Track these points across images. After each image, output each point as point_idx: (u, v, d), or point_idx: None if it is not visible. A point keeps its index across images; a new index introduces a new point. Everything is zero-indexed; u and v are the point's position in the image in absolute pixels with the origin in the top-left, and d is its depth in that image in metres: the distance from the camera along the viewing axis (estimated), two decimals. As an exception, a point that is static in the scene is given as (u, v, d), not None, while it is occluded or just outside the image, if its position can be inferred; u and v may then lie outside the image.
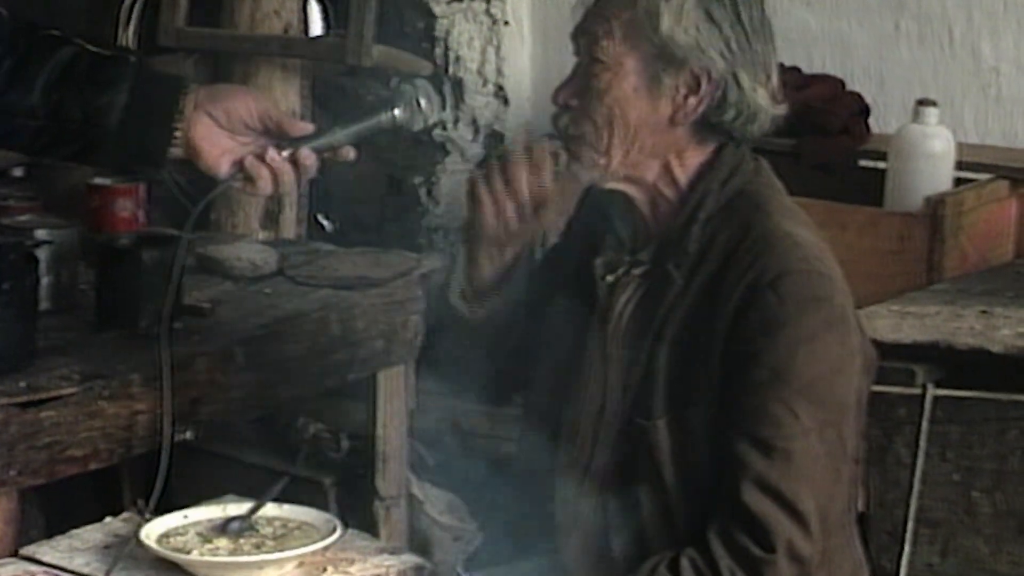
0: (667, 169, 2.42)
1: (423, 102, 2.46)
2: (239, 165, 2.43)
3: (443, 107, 2.49)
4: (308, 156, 2.43)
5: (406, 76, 2.48)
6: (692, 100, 2.38)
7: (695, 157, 2.42)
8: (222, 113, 2.43)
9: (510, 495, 2.60)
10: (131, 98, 2.44)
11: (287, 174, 2.42)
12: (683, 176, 2.42)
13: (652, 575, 2.30)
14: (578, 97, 2.40)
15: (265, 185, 2.42)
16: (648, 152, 2.40)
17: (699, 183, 2.41)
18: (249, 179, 2.42)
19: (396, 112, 2.46)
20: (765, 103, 2.40)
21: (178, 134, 2.44)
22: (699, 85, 2.37)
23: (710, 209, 2.39)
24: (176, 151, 2.45)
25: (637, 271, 2.43)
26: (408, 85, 2.46)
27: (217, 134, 2.44)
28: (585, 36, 2.40)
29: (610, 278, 2.45)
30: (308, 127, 2.46)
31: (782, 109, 2.43)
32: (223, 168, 2.44)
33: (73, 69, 2.46)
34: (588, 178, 2.42)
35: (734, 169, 2.41)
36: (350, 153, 2.47)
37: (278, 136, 2.44)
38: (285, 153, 2.42)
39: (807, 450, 2.30)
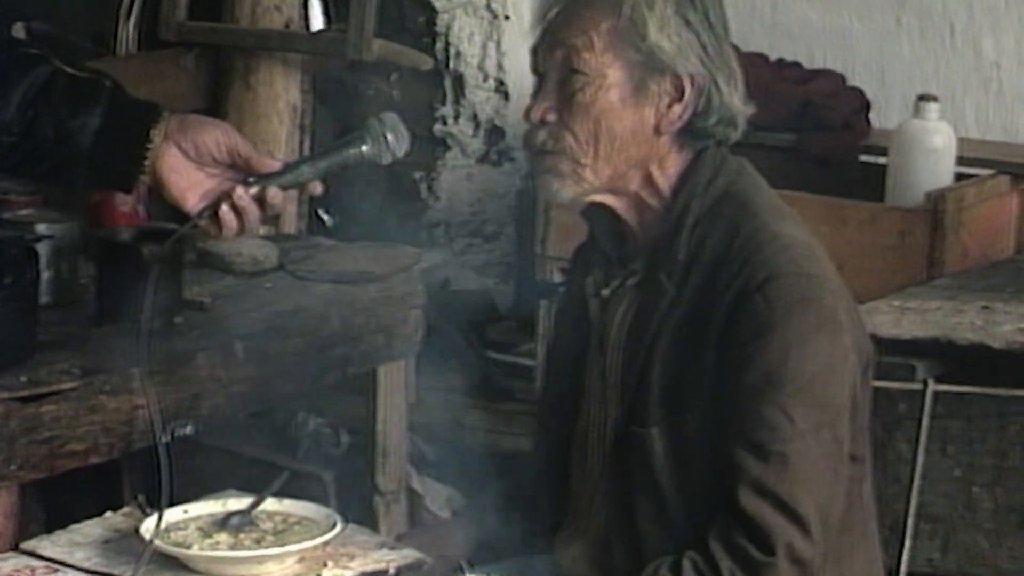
0: (648, 178, 2.41)
1: (390, 137, 2.45)
2: (208, 205, 2.43)
3: (411, 142, 2.49)
4: (275, 194, 2.43)
5: (374, 113, 2.48)
6: (676, 108, 2.37)
7: (676, 164, 2.41)
8: (191, 145, 2.45)
9: (512, 495, 2.62)
10: (104, 122, 2.46)
11: (253, 213, 2.43)
12: (665, 184, 2.41)
13: (654, 578, 2.31)
14: (555, 112, 2.38)
15: (231, 231, 2.44)
16: (633, 163, 2.39)
17: (683, 189, 2.40)
18: (216, 223, 2.43)
19: (364, 148, 2.45)
20: (740, 105, 2.40)
21: (146, 163, 2.45)
22: (682, 93, 2.36)
23: (696, 214, 2.38)
24: (145, 179, 2.47)
25: (631, 282, 2.43)
26: (375, 120, 2.46)
27: (185, 166, 2.45)
28: (559, 49, 2.37)
29: (605, 292, 2.45)
30: (275, 164, 2.47)
31: (751, 108, 2.43)
32: (188, 201, 2.45)
33: (50, 88, 2.47)
34: (571, 193, 2.40)
35: (717, 171, 2.41)
36: (317, 188, 2.48)
37: (245, 170, 2.45)
38: (252, 191, 2.42)
39: (803, 452, 2.29)
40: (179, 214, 2.49)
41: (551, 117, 2.38)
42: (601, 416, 2.44)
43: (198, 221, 2.44)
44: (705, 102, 2.37)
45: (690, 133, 2.39)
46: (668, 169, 2.41)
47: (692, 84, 2.36)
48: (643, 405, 2.37)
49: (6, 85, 2.45)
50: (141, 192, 3.56)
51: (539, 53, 2.40)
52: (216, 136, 2.45)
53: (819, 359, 2.30)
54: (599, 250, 2.49)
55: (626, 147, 2.37)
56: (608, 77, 2.35)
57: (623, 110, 2.36)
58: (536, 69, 2.41)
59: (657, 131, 2.38)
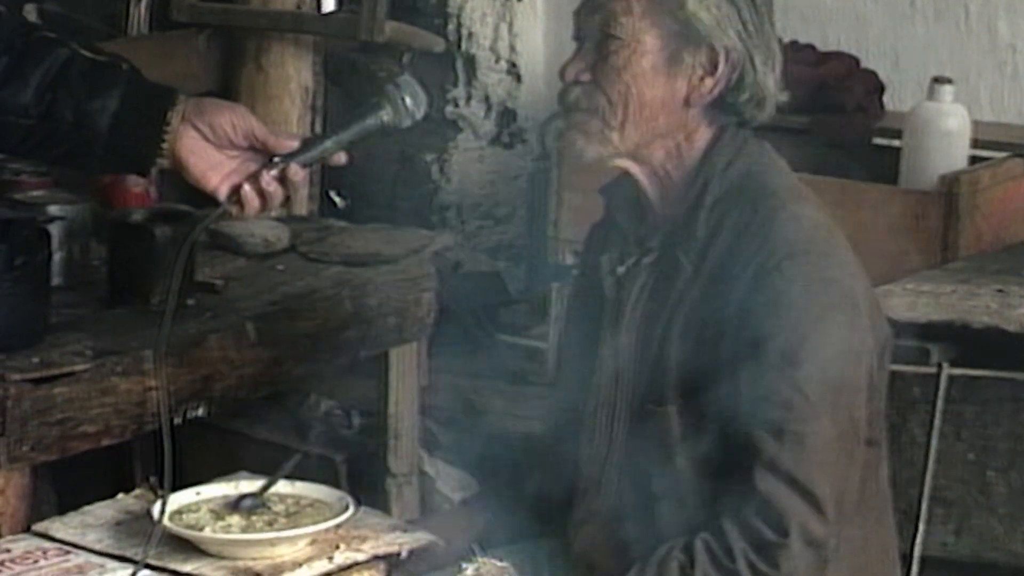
0: (676, 150, 2.41)
1: (408, 101, 2.45)
2: (234, 190, 2.44)
3: (429, 103, 2.48)
4: (296, 172, 2.44)
5: (389, 77, 2.48)
6: (708, 81, 2.37)
7: (703, 138, 2.41)
8: (207, 128, 2.46)
9: (524, 477, 2.61)
10: (121, 105, 2.46)
11: (277, 194, 2.44)
12: (690, 158, 2.41)
13: (666, 559, 2.30)
14: (589, 72, 2.39)
15: (253, 211, 2.45)
16: (661, 132, 2.39)
17: (704, 166, 2.40)
18: (239, 204, 2.44)
19: (383, 114, 2.45)
20: (773, 89, 2.40)
21: (165, 145, 2.46)
22: (715, 66, 2.36)
23: (716, 193, 2.38)
24: (163, 162, 2.48)
25: (647, 260, 2.42)
26: (392, 85, 2.46)
27: (203, 147, 2.46)
28: (599, 13, 2.38)
29: (621, 270, 2.45)
30: (293, 143, 2.47)
31: (785, 96, 2.43)
32: (211, 181, 2.46)
33: (68, 71, 2.48)
34: (596, 154, 2.40)
35: (738, 151, 2.41)
36: (342, 158, 2.48)
37: (263, 150, 2.45)
38: (274, 172, 2.43)
39: (819, 433, 2.29)
40: (200, 195, 2.49)
41: (585, 77, 2.39)
42: (613, 395, 2.43)
43: (227, 207, 2.45)
44: (738, 78, 2.36)
45: (719, 108, 2.39)
46: (695, 143, 2.41)
47: (727, 59, 2.36)
48: (660, 383, 2.37)
49: (25, 68, 2.45)
50: (153, 173, 3.55)
51: (580, 17, 2.41)
52: (231, 119, 2.45)
53: (837, 339, 2.30)
54: (615, 228, 2.49)
55: (655, 115, 2.37)
56: (644, 43, 2.36)
57: (655, 77, 2.36)
58: (576, 33, 2.42)
59: (687, 102, 2.38)
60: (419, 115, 2.47)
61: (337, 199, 4.54)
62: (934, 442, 3.06)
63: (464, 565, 2.49)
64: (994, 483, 3.08)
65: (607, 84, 2.37)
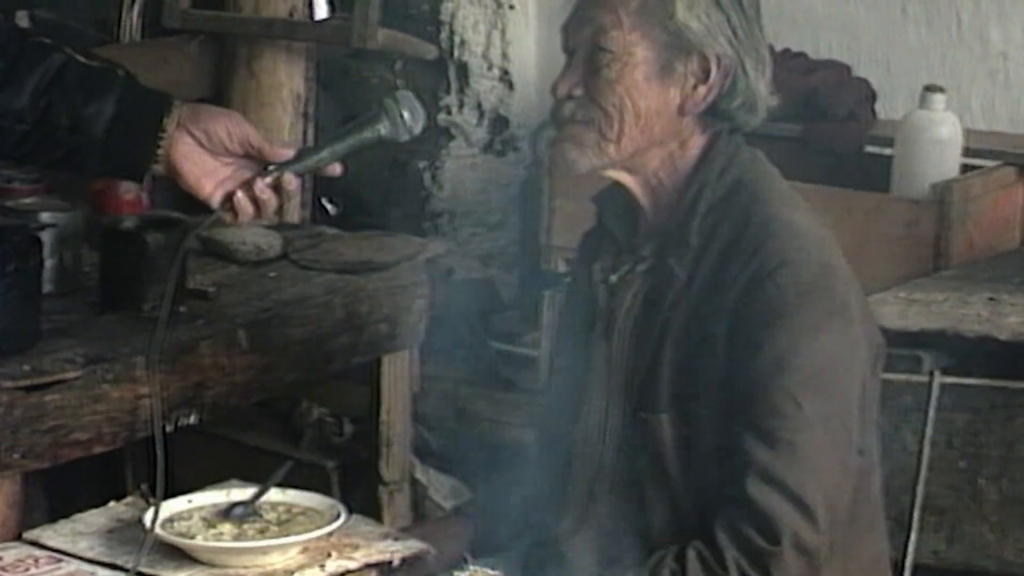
0: (669, 158, 2.41)
1: (407, 115, 2.46)
2: (227, 197, 2.44)
3: (426, 119, 2.49)
4: (291, 181, 2.44)
5: (382, 84, 2.48)
6: (701, 89, 2.37)
7: (696, 145, 2.41)
8: (203, 134, 2.46)
9: (516, 485, 2.61)
10: (117, 110, 2.46)
11: (271, 202, 2.44)
12: (683, 165, 2.41)
13: (659, 568, 2.30)
14: (582, 87, 2.38)
15: (247, 218, 2.45)
16: (656, 142, 2.39)
17: (697, 173, 2.40)
18: (233, 212, 2.44)
19: (381, 127, 2.45)
20: (764, 93, 2.40)
21: (160, 151, 2.46)
22: (708, 74, 2.36)
23: (709, 200, 2.38)
24: (157, 168, 2.48)
25: (640, 268, 2.42)
26: (391, 100, 2.46)
27: (198, 154, 2.46)
28: (587, 27, 2.38)
29: (614, 278, 2.44)
30: (288, 152, 2.47)
31: (775, 100, 2.43)
32: (205, 188, 2.46)
33: (63, 76, 2.48)
34: (589, 165, 2.40)
35: (731, 159, 2.40)
36: (336, 169, 2.48)
37: (258, 158, 2.45)
38: (268, 180, 2.43)
39: (812, 441, 2.28)
40: (193, 202, 2.49)
41: (578, 92, 2.38)
42: (604, 403, 2.43)
43: (221, 214, 2.45)
44: (730, 84, 2.36)
45: (712, 114, 2.39)
46: (689, 151, 2.41)
47: (719, 66, 2.36)
48: (653, 391, 2.36)
49: (20, 73, 2.45)
50: (146, 180, 3.55)
51: (569, 31, 2.41)
52: (227, 125, 2.45)
53: (830, 348, 2.30)
54: (607, 236, 2.49)
55: (650, 125, 2.37)
56: (635, 55, 2.35)
57: (648, 88, 2.36)
58: (566, 47, 2.41)
59: (681, 111, 2.38)
60: (417, 130, 2.47)
61: (329, 206, 4.54)
62: (926, 450, 3.06)
63: (456, 573, 2.49)
64: (986, 491, 3.08)
65: (601, 97, 2.36)
